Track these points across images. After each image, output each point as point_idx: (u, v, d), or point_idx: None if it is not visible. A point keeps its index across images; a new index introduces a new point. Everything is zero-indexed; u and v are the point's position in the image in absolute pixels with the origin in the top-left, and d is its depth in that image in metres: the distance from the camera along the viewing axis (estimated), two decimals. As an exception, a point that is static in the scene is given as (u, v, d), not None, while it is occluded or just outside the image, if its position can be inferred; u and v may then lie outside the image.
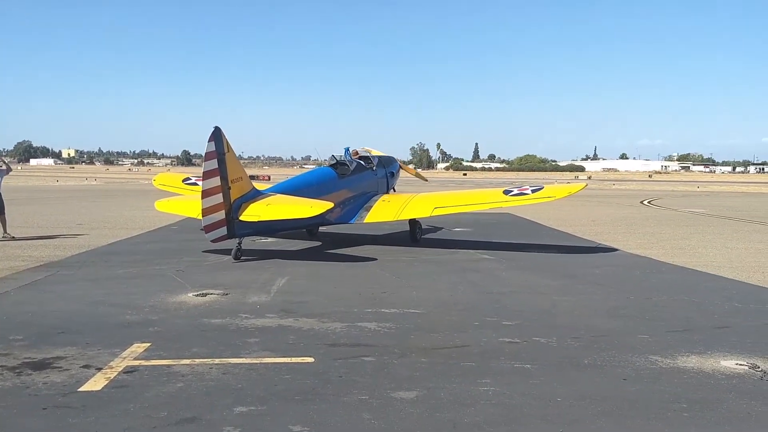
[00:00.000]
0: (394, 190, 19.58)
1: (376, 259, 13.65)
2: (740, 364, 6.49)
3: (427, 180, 27.25)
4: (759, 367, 6.39)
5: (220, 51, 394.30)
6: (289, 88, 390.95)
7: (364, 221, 16.12)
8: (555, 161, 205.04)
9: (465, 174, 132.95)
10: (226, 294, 9.77)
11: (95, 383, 5.77)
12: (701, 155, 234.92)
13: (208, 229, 12.99)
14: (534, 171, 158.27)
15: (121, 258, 13.36)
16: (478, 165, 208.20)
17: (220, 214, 12.89)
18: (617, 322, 8.37)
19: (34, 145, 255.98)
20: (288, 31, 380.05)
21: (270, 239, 16.72)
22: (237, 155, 14.41)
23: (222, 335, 7.43)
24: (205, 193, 12.83)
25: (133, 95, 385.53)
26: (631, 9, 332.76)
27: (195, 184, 18.63)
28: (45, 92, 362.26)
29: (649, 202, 37.53)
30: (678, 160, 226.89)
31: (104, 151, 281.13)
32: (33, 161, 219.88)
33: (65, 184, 54.00)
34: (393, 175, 19.57)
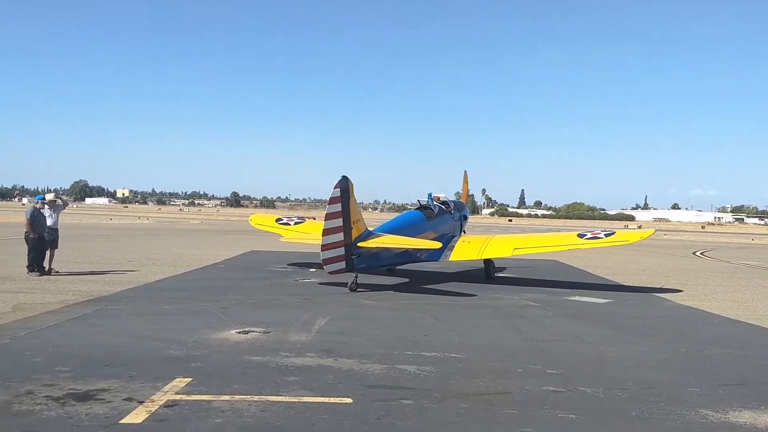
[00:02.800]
0: (465, 232, 21.32)
1: (416, 302, 13.55)
2: (797, 422, 6.18)
3: None
4: (817, 426, 6.06)
5: (274, 94, 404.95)
6: (341, 129, 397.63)
7: (450, 259, 17.77)
8: (603, 209, 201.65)
9: (510, 220, 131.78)
10: (268, 332, 9.82)
11: (136, 416, 5.82)
12: (756, 207, 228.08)
13: (327, 262, 14.69)
14: (582, 219, 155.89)
15: (167, 294, 13.60)
16: (524, 211, 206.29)
17: (340, 251, 14.55)
18: (667, 374, 8.08)
19: (90, 185, 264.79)
20: (347, 78, 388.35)
21: (313, 280, 16.85)
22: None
23: (262, 373, 7.44)
24: (326, 232, 14.49)
25: (185, 138, 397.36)
26: (680, 62, 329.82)
27: (287, 224, 21.96)
28: (101, 134, 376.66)
29: (701, 254, 36.50)
30: (732, 211, 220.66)
31: (157, 192, 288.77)
32: (88, 200, 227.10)
33: (118, 223, 55.56)
34: (465, 218, 21.73)
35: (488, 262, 18.79)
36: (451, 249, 18.04)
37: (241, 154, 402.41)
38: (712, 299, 15.85)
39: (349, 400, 6.45)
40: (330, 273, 14.90)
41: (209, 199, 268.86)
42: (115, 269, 17.89)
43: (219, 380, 7.03)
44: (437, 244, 17.15)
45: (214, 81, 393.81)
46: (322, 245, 14.56)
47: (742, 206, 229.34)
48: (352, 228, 14.65)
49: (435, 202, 19.58)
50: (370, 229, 16.09)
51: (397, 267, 18.93)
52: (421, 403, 6.44)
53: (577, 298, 15.28)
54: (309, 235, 20.02)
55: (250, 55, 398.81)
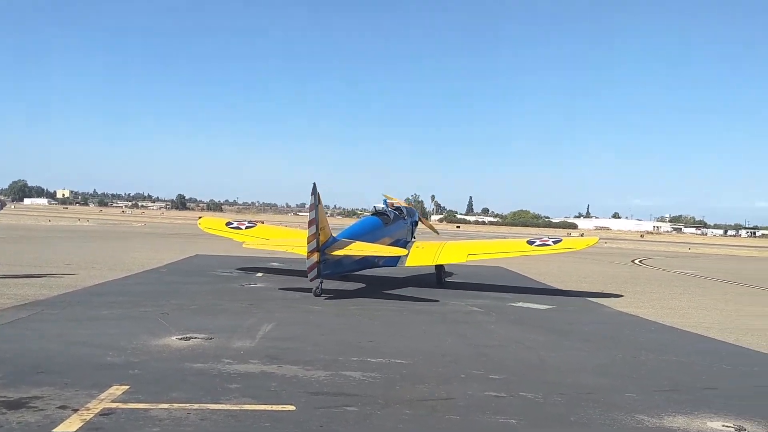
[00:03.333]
0: (415, 238, 21.70)
1: (364, 308, 13.54)
2: (726, 426, 6.42)
3: (438, 233, 29.56)
4: (745, 429, 6.32)
5: (218, 98, 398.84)
6: (285, 135, 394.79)
7: (406, 265, 18.17)
8: (548, 217, 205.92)
9: (458, 227, 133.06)
10: (210, 338, 9.64)
11: (70, 425, 5.63)
12: (693, 217, 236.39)
13: (310, 269, 14.69)
14: (527, 226, 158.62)
15: (106, 299, 13.22)
16: (472, 218, 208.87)
17: (316, 257, 14.60)
18: (604, 380, 8.29)
19: (29, 185, 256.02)
20: (287, 83, 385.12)
21: (260, 285, 16.70)
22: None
23: (203, 380, 7.30)
24: (308, 240, 14.62)
25: (129, 137, 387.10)
26: (625, 74, 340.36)
27: (237, 228, 21.48)
28: (41, 132, 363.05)
29: (640, 262, 37.60)
30: (670, 221, 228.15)
31: (99, 193, 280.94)
32: (27, 200, 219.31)
33: (57, 224, 53.78)
34: (416, 224, 22.05)
35: (440, 267, 19.29)
36: (407, 255, 18.36)
37: (187, 155, 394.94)
38: (649, 306, 16.34)
39: (291, 408, 6.39)
40: (310, 281, 14.92)
41: (153, 201, 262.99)
42: (53, 272, 17.29)
43: (158, 388, 6.87)
44: (404, 251, 17.73)
45: (158, 80, 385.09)
46: (308, 252, 14.68)
47: (680, 216, 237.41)
48: (319, 234, 14.72)
49: (389, 208, 19.97)
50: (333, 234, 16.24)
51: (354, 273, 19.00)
52: (364, 410, 6.43)
53: (520, 304, 15.54)
54: (270, 240, 20.10)
55: (200, 55, 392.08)
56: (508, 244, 21.41)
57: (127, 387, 6.82)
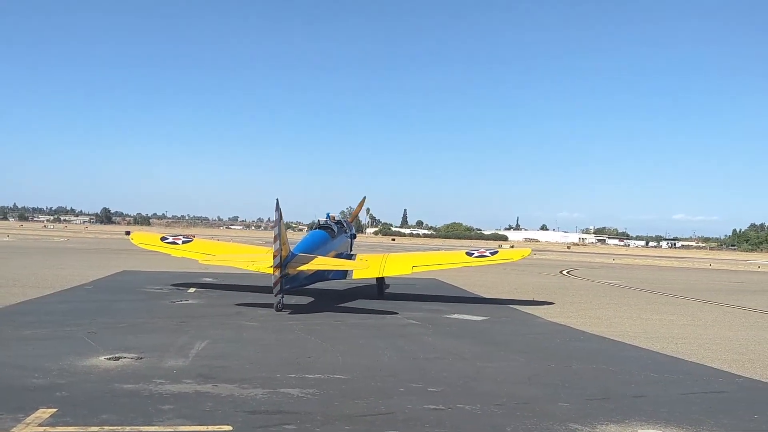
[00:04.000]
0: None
1: (302, 323, 13.41)
2: (656, 433, 6.65)
3: None
4: (674, 436, 6.55)
5: (145, 106, 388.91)
6: (214, 146, 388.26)
7: (353, 277, 18.42)
8: (480, 230, 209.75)
9: (393, 239, 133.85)
10: (141, 358, 9.34)
11: (-8, 453, 5.34)
12: (616, 229, 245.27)
13: (275, 284, 14.79)
14: (460, 238, 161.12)
15: (29, 318, 12.63)
16: (407, 231, 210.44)
17: (279, 272, 14.73)
18: (538, 390, 8.46)
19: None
20: (217, 88, 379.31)
21: (192, 301, 16.34)
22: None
23: (134, 401, 7.05)
24: (273, 255, 14.71)
25: (50, 148, 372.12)
26: (553, 88, 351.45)
27: (173, 243, 20.86)
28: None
29: (568, 272, 38.70)
30: (595, 232, 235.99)
31: (19, 206, 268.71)
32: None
33: (-27, 239, 51.14)
34: (354, 236, 23.23)
35: (381, 279, 19.73)
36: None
37: (112, 166, 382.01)
38: (578, 316, 16.82)
39: (228, 428, 6.24)
40: (274, 296, 14.91)
41: (77, 215, 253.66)
42: (-31, 291, 16.40)
43: (87, 410, 6.59)
44: (354, 264, 18.61)
45: (82, 88, 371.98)
46: (274, 267, 14.71)
47: (604, 228, 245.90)
48: (281, 249, 14.88)
49: (331, 221, 20.65)
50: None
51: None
52: (303, 428, 6.35)
53: (455, 315, 15.73)
54: (228, 256, 20.03)
55: (128, 62, 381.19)
56: (449, 255, 21.91)
57: (55, 410, 6.52)
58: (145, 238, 23.11)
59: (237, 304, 15.71)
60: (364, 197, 26.66)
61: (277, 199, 14.97)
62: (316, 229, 20.27)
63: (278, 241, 14.69)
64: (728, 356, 11.80)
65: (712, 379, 9.74)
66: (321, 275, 17.67)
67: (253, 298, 17.61)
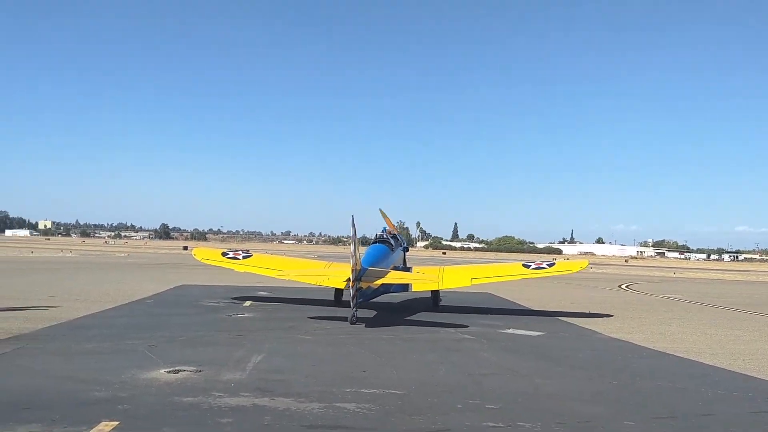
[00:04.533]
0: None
1: (355, 337, 13.38)
2: (729, 454, 6.34)
3: None
4: (748, 457, 6.24)
5: (202, 126, 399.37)
6: (268, 163, 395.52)
7: (413, 290, 18.57)
8: (533, 243, 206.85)
9: (444, 253, 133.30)
10: (200, 371, 9.45)
11: (58, 464, 5.45)
12: (676, 242, 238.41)
13: (353, 298, 15.39)
14: (512, 252, 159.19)
15: (92, 332, 12.97)
16: (457, 244, 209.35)
17: (354, 286, 15.35)
18: (602, 408, 8.20)
19: (11, 216, 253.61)
20: (272, 108, 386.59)
21: (248, 314, 16.54)
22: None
23: (194, 414, 7.13)
24: (352, 270, 15.28)
25: (111, 166, 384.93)
26: (605, 103, 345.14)
27: (234, 258, 21.06)
28: (22, 161, 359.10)
29: (627, 287, 37.69)
30: (653, 245, 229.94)
31: (81, 223, 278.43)
32: (8, 232, 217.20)
33: (40, 256, 53.12)
34: (407, 250, 23.50)
35: (436, 292, 20.19)
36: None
37: (170, 184, 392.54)
38: (639, 332, 16.31)
39: (286, 442, 6.24)
40: (353, 307, 15.43)
41: (137, 231, 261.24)
42: (36, 305, 16.98)
43: (148, 423, 6.69)
44: (425, 278, 18.83)
45: (140, 110, 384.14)
46: (352, 281, 15.33)
47: (663, 241, 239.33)
48: (357, 265, 15.48)
49: (387, 235, 21.06)
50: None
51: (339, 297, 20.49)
52: (361, 443, 6.29)
53: (511, 330, 15.45)
54: (301, 271, 20.20)
55: (182, 86, 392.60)
56: (507, 267, 21.96)
57: (117, 423, 6.64)
58: (207, 253, 23.23)
59: (291, 318, 15.79)
60: (380, 210, 25.50)
61: (353, 216, 15.48)
62: (375, 243, 20.50)
63: (354, 257, 15.21)
64: (802, 374, 11.23)
65: (785, 397, 9.27)
66: (386, 288, 17.80)
67: (307, 312, 17.71)
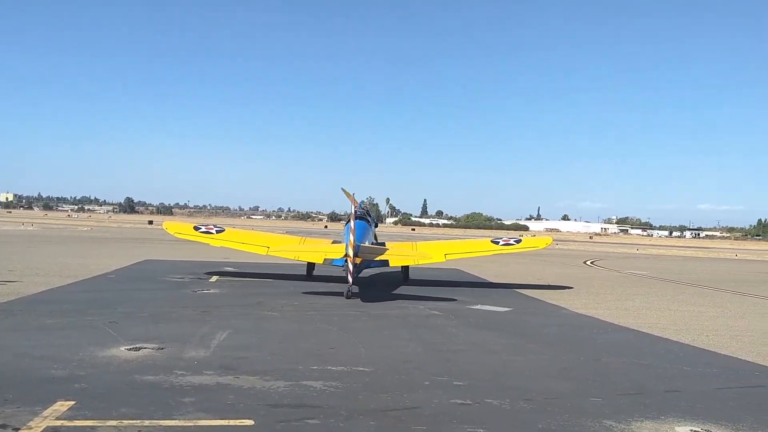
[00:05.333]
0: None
1: (322, 314, 13.23)
2: (694, 430, 6.36)
3: None
4: (714, 434, 6.26)
5: (165, 97, 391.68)
6: (234, 137, 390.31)
7: (390, 265, 18.61)
8: (500, 219, 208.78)
9: (413, 229, 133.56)
10: (162, 348, 9.20)
11: (9, 446, 5.21)
12: (639, 219, 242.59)
13: (350, 273, 15.70)
14: (480, 228, 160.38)
15: (51, 307, 12.59)
16: (426, 221, 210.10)
17: (352, 262, 15.69)
18: (569, 384, 8.19)
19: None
20: (238, 78, 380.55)
21: (213, 290, 16.27)
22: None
23: (154, 394, 6.90)
24: (350, 246, 15.63)
25: (75, 139, 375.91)
26: (575, 76, 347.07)
27: (208, 232, 20.94)
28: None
29: (591, 263, 38.19)
30: (617, 222, 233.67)
31: (44, 196, 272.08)
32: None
33: (0, 229, 51.77)
34: (377, 225, 24.17)
35: (406, 267, 20.62)
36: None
37: (135, 157, 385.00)
38: (605, 308, 16.46)
39: (250, 422, 6.06)
40: (351, 284, 15.75)
41: (101, 205, 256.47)
42: (-7, 280, 16.46)
43: (106, 403, 6.44)
44: (402, 252, 19.33)
45: (106, 80, 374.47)
46: (352, 257, 15.67)
47: (627, 218, 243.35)
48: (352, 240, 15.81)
49: (364, 211, 21.61)
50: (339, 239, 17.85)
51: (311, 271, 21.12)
52: (327, 423, 6.14)
53: (479, 306, 15.45)
54: (279, 247, 19.99)
55: (148, 55, 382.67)
56: (476, 243, 22.71)
57: (73, 402, 6.39)
58: (180, 227, 22.61)
59: (258, 294, 15.58)
60: (342, 188, 26.71)
61: (353, 194, 16.24)
62: (356, 219, 20.36)
63: (352, 233, 15.57)
64: (762, 349, 11.43)
65: (748, 372, 9.40)
66: (367, 264, 17.79)
67: (273, 288, 17.52)
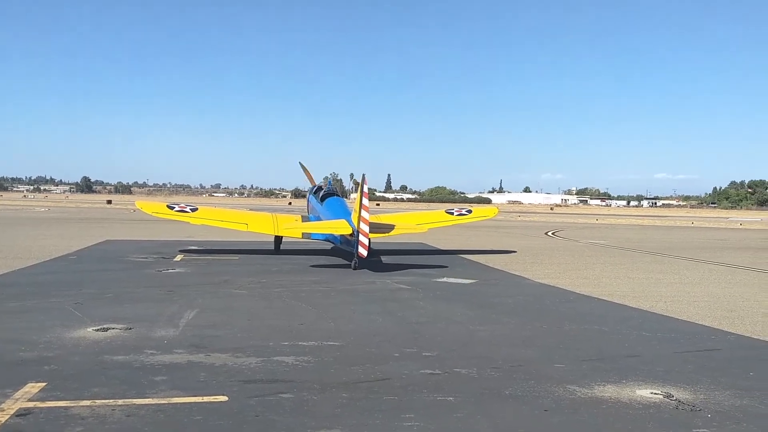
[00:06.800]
0: None
1: (289, 290, 13.28)
2: (655, 393, 6.63)
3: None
4: (673, 396, 6.54)
5: (122, 73, 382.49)
6: (191, 114, 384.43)
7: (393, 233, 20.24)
8: (464, 193, 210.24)
9: (378, 204, 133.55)
10: (130, 328, 9.16)
11: (-19, 430, 5.19)
12: (598, 189, 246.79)
13: (363, 246, 16.60)
14: (444, 202, 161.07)
15: (14, 290, 12.38)
16: (391, 195, 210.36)
17: (362, 237, 16.60)
18: (533, 352, 8.43)
19: None
20: (199, 57, 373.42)
21: (179, 270, 16.18)
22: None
23: (125, 373, 6.90)
24: (364, 222, 16.60)
25: (29, 117, 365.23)
26: (534, 55, 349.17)
27: (183, 210, 20.93)
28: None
29: (553, 233, 38.87)
30: (577, 193, 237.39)
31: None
32: None
33: (-50, 211, 50.23)
34: None
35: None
36: None
37: (92, 135, 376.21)
38: (566, 277, 16.85)
39: (224, 398, 6.13)
40: (361, 257, 16.78)
41: (57, 185, 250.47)
42: (-51, 264, 16.07)
43: (77, 384, 6.44)
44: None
45: (61, 57, 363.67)
46: (360, 232, 16.60)
47: (586, 189, 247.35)
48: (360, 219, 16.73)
49: (333, 188, 22.75)
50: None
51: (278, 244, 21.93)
52: (300, 396, 6.25)
53: (444, 279, 15.69)
54: (259, 223, 20.85)
55: (104, 31, 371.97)
56: (432, 215, 24.21)
57: (44, 384, 6.37)
58: (155, 207, 22.35)
59: (224, 272, 15.55)
60: (300, 162, 27.48)
61: (363, 175, 17.29)
62: (328, 196, 21.47)
63: (358, 211, 16.66)
64: (718, 313, 11.87)
65: (704, 336, 9.78)
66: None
67: (239, 266, 17.48)
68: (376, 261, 18.87)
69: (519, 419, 5.80)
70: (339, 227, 17.99)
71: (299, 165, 27.00)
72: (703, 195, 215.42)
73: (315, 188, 23.34)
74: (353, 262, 16.96)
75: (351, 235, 17.25)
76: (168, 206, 21.47)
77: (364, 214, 16.55)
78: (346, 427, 5.47)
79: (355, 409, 5.92)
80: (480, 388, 6.70)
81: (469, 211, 24.23)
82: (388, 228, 19.98)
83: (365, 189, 16.91)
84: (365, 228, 16.53)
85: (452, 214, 23.29)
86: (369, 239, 16.97)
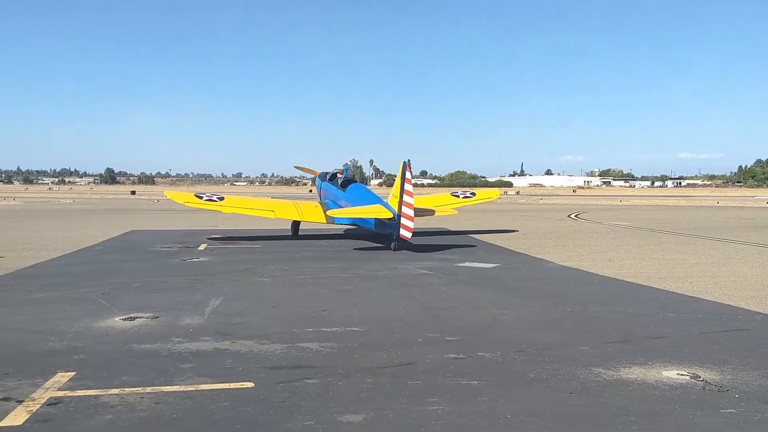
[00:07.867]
0: None
1: (312, 277, 13.35)
2: (681, 374, 6.58)
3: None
4: (700, 377, 6.48)
5: (143, 67, 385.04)
6: (218, 104, 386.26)
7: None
8: (484, 177, 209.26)
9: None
10: (156, 317, 9.28)
11: (16, 417, 5.30)
12: (621, 170, 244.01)
13: (407, 229, 17.59)
14: (465, 186, 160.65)
15: (41, 281, 12.59)
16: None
17: (408, 222, 17.64)
18: (558, 335, 8.40)
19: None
20: (219, 48, 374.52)
21: (203, 258, 16.34)
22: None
23: (153, 361, 7.00)
24: (409, 207, 17.67)
25: (53, 110, 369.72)
26: (552, 36, 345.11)
27: (211, 200, 21.23)
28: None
29: (576, 216, 38.58)
30: (599, 175, 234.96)
31: (23, 170, 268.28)
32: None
33: (-21, 205, 51.14)
34: None
35: None
36: None
37: (115, 126, 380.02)
38: (590, 259, 16.72)
39: (250, 385, 6.20)
40: (403, 239, 17.79)
41: (81, 177, 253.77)
42: (-21, 256, 16.37)
43: (106, 372, 6.55)
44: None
45: (85, 51, 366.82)
46: (415, 218, 17.79)
47: (609, 170, 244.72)
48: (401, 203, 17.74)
49: (352, 175, 24.01)
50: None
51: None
52: (326, 382, 6.30)
53: (466, 263, 15.65)
54: (285, 210, 21.65)
55: (126, 27, 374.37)
56: (439, 198, 25.50)
57: (74, 373, 6.48)
58: (183, 197, 22.78)
59: (247, 260, 15.67)
60: (295, 167, 29.65)
61: (404, 162, 18.12)
62: (349, 182, 22.32)
63: (400, 196, 17.63)
64: (745, 293, 11.72)
65: (731, 317, 9.66)
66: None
67: (262, 253, 17.60)
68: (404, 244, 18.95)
69: (543, 402, 5.79)
70: (378, 212, 18.66)
71: (296, 168, 29.62)
72: (728, 174, 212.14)
73: (329, 175, 23.51)
74: (393, 244, 17.91)
75: (391, 219, 17.99)
76: (196, 195, 21.85)
77: (408, 198, 17.49)
78: (371, 411, 5.51)
79: (379, 394, 5.95)
80: (504, 372, 6.69)
81: (473, 194, 25.74)
82: (429, 212, 21.68)
83: (408, 175, 17.76)
84: (409, 212, 17.48)
85: (458, 196, 24.62)
86: (413, 221, 17.76)
